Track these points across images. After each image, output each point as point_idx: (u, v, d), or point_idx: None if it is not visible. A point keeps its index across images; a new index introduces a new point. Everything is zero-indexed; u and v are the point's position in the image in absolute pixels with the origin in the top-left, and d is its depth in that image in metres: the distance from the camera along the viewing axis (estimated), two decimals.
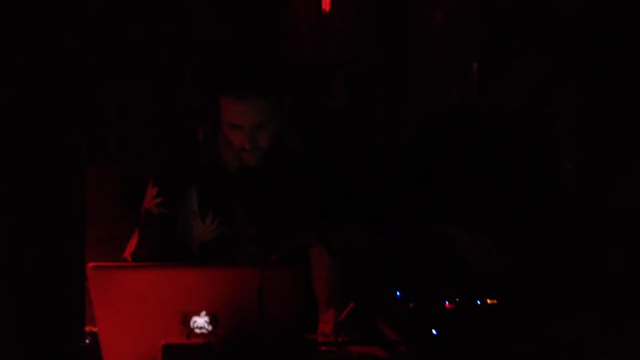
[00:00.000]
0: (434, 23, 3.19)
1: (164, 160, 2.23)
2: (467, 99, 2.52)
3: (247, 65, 2.10)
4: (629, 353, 1.74)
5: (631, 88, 2.47)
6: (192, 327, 1.65)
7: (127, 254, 2.16)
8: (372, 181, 2.53)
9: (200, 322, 1.65)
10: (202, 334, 1.63)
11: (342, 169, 2.32)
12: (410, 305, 1.97)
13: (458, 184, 2.33)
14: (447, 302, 1.96)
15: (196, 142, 2.22)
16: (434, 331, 1.84)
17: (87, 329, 1.78)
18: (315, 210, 2.20)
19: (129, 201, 2.32)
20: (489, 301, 1.96)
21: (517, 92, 2.30)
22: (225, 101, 2.08)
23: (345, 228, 2.21)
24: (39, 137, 1.23)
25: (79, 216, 1.21)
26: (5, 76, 1.22)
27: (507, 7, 2.60)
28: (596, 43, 2.54)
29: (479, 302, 1.96)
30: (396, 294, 2.04)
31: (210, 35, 2.88)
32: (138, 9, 3.07)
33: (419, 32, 3.28)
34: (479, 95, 2.45)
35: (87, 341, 1.76)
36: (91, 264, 1.61)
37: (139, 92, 3.06)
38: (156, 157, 2.26)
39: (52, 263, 1.21)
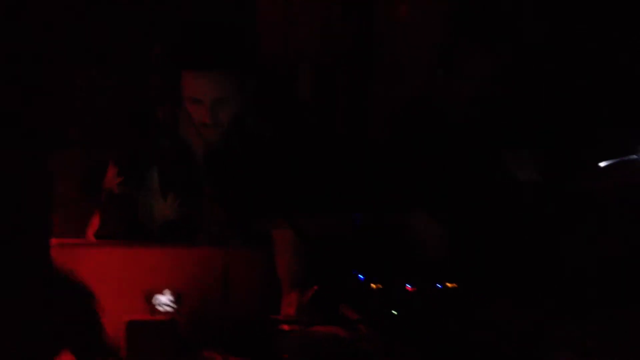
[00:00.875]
0: (400, 16, 3.22)
1: (125, 141, 2.23)
2: (427, 92, 2.56)
3: (209, 39, 2.11)
4: (586, 340, 1.78)
5: (580, 84, 2.53)
6: (155, 304, 1.66)
7: (89, 234, 2.16)
8: (337, 170, 2.55)
9: (164, 299, 1.66)
10: (165, 312, 1.64)
11: (305, 155, 2.34)
12: (373, 287, 2.00)
13: (420, 174, 2.37)
14: (408, 285, 1.99)
15: (156, 123, 2.22)
16: (394, 311, 1.87)
17: None
18: (282, 195, 2.21)
19: (92, 185, 2.31)
20: (449, 285, 2.00)
21: (466, 87, 2.35)
22: (186, 75, 2.08)
23: (314, 215, 2.23)
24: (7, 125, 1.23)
25: (46, 196, 1.21)
26: None
27: (469, 6, 2.65)
28: (549, 43, 2.59)
29: (439, 286, 2.00)
30: (359, 277, 2.07)
31: (177, 25, 2.88)
32: None
33: (386, 25, 3.31)
34: (440, 88, 2.49)
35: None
36: (55, 241, 1.60)
37: (104, 79, 3.04)
38: (118, 139, 2.27)
39: (17, 242, 1.21)
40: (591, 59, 2.50)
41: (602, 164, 2.21)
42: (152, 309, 1.64)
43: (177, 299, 1.66)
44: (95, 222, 2.17)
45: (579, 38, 2.54)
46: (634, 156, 2.19)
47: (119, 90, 2.98)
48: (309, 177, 2.32)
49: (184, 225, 2.18)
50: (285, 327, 1.86)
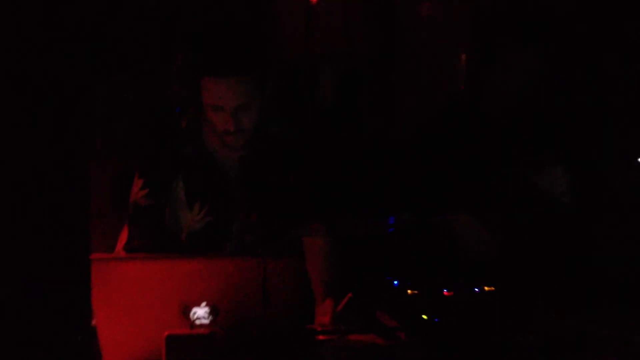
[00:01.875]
0: (424, 15, 3.19)
1: (149, 152, 2.22)
2: (455, 93, 2.53)
3: (228, 45, 2.09)
4: (629, 344, 1.74)
5: (624, 84, 2.48)
6: (192, 318, 1.64)
7: (118, 248, 2.14)
8: (368, 173, 2.53)
9: (201, 313, 1.64)
10: (202, 324, 1.62)
11: (331, 159, 2.31)
12: (408, 293, 1.97)
13: (454, 177, 2.33)
14: (445, 290, 1.96)
15: (180, 132, 2.21)
16: (434, 318, 1.84)
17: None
18: (315, 199, 2.19)
19: (119, 198, 2.30)
20: (486, 288, 1.97)
21: (505, 85, 2.32)
22: (207, 82, 2.06)
23: (349, 218, 2.20)
24: (43, 132, 1.21)
25: (84, 210, 1.19)
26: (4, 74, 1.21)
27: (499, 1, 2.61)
28: (589, 39, 2.55)
29: (476, 290, 1.97)
30: (393, 282, 2.04)
31: (197, 30, 2.87)
32: (123, 5, 3.05)
33: (409, 25, 3.28)
34: (468, 89, 2.45)
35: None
36: (93, 256, 1.59)
37: (126, 89, 3.04)
38: (142, 150, 2.25)
39: (57, 257, 1.20)
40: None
41: None
42: (190, 322, 1.61)
43: (214, 311, 1.64)
44: (123, 237, 2.15)
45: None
46: None
47: (142, 100, 2.98)
48: (341, 180, 2.30)
49: (210, 235, 2.17)
50: (322, 337, 1.84)
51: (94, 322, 1.70)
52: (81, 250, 1.15)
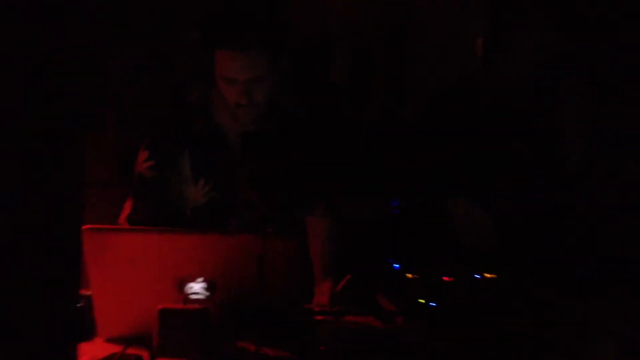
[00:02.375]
0: None
1: (156, 124, 2.20)
2: (470, 74, 2.48)
3: (243, 17, 2.06)
4: (631, 332, 1.71)
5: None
6: (187, 292, 1.63)
7: (122, 218, 2.14)
8: (373, 154, 2.50)
9: (197, 288, 1.63)
10: (197, 299, 1.61)
11: (341, 139, 2.29)
12: (409, 277, 1.95)
13: (461, 160, 2.30)
14: (445, 275, 1.94)
15: (189, 105, 2.19)
16: (431, 303, 1.82)
17: (81, 292, 1.76)
18: (319, 180, 2.17)
19: (127, 169, 2.29)
20: (487, 275, 1.94)
21: (521, 66, 2.27)
22: (221, 54, 2.04)
23: (352, 200, 2.18)
24: (40, 104, 1.20)
25: (78, 181, 1.18)
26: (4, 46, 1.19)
27: None
28: (606, 20, 2.49)
29: (477, 276, 1.94)
30: (394, 266, 2.03)
31: (210, 6, 2.84)
32: None
33: (424, 5, 3.23)
34: (483, 71, 2.41)
35: (80, 304, 1.74)
36: (85, 227, 1.58)
37: (139, 63, 3.03)
38: (149, 122, 2.23)
39: (49, 226, 1.18)
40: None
41: None
42: (185, 297, 1.60)
43: (211, 287, 1.63)
44: (127, 207, 2.15)
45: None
46: None
47: (152, 72, 2.97)
48: (346, 161, 2.27)
49: (215, 210, 2.16)
50: (319, 317, 1.83)
51: (89, 291, 1.70)
52: (73, 220, 1.14)
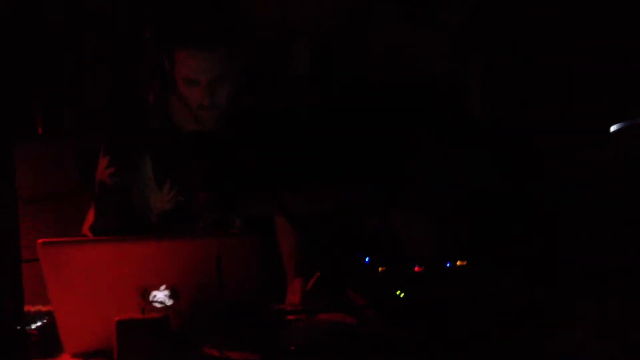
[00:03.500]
0: None
1: (114, 128, 2.15)
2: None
3: (203, 17, 2.02)
4: (599, 318, 1.71)
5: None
6: (151, 301, 1.59)
7: (85, 229, 2.09)
8: (334, 146, 2.47)
9: (160, 296, 1.59)
10: (162, 308, 1.58)
11: (301, 134, 2.25)
12: (379, 270, 1.93)
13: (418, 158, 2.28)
14: (416, 266, 1.92)
15: (146, 107, 2.14)
16: (406, 294, 1.80)
17: (46, 308, 1.72)
18: (275, 175, 2.13)
19: (88, 175, 2.24)
20: (458, 263, 1.92)
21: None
22: (181, 55, 2.00)
23: (306, 194, 2.15)
24: None
25: (9, 194, 1.13)
26: None
27: None
28: None
29: (447, 265, 1.92)
30: (365, 260, 2.00)
31: (169, 2, 2.79)
32: None
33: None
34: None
35: (44, 321, 1.70)
36: (40, 241, 1.53)
37: (97, 64, 2.97)
38: (107, 126, 2.18)
39: None
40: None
41: (611, 129, 2.11)
42: (144, 306, 1.57)
43: (174, 293, 1.59)
44: (90, 217, 2.10)
45: None
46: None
47: (109, 75, 2.91)
48: (309, 154, 2.24)
49: (182, 214, 2.11)
50: (291, 317, 1.80)
51: (51, 308, 1.66)
52: (9, 243, 1.09)
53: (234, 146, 2.13)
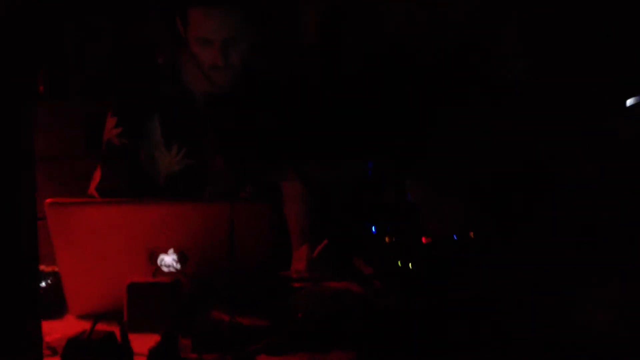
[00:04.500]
0: None
1: (123, 89, 2.12)
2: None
3: None
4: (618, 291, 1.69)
5: None
6: (159, 265, 1.58)
7: (92, 189, 2.07)
8: (345, 117, 2.44)
9: (168, 260, 1.58)
10: (170, 272, 1.57)
11: (317, 102, 2.23)
12: (387, 240, 1.92)
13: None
14: (423, 237, 1.91)
15: (156, 69, 2.11)
16: (410, 265, 1.79)
17: (49, 268, 1.70)
18: (287, 143, 2.12)
19: (93, 139, 2.22)
20: (471, 234, 1.91)
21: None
22: (195, 14, 1.96)
23: (321, 162, 2.13)
24: None
25: (28, 153, 1.10)
26: None
27: None
28: None
29: (455, 237, 1.91)
30: (372, 229, 1.99)
31: None
32: None
33: None
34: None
35: (48, 282, 1.68)
36: (48, 200, 1.52)
37: (101, 28, 2.93)
38: (116, 87, 2.15)
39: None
40: None
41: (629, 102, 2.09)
42: (157, 269, 1.56)
43: (182, 258, 1.58)
44: (97, 177, 2.08)
45: None
46: None
47: (118, 36, 2.87)
48: (319, 122, 2.22)
49: (191, 177, 2.10)
50: (297, 284, 1.79)
51: (54, 268, 1.65)
52: (25, 193, 1.07)
53: (248, 110, 2.11)
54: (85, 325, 1.53)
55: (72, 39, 2.85)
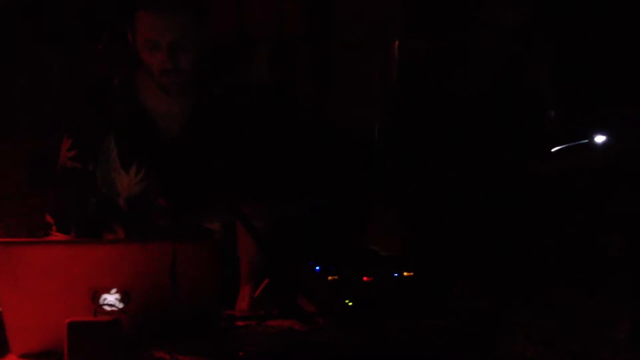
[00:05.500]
0: None
1: (76, 111, 2.14)
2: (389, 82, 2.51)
3: None
4: (543, 323, 1.78)
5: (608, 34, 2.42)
6: (102, 304, 1.60)
7: (47, 215, 2.08)
8: (297, 155, 2.49)
9: (111, 299, 1.60)
10: (112, 311, 1.59)
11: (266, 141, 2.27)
12: (329, 278, 1.96)
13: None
14: (365, 276, 1.96)
15: (111, 90, 2.13)
16: (349, 302, 1.84)
17: None
18: (234, 181, 2.15)
19: (40, 177, 2.23)
20: (405, 274, 1.97)
21: (494, 39, 2.27)
22: (142, 17, 1.99)
23: (266, 202, 2.17)
24: None
25: None
26: None
27: None
28: None
29: (395, 275, 1.97)
30: (315, 268, 2.04)
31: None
32: None
33: (344, 7, 3.25)
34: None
35: None
36: None
37: (51, 67, 2.95)
38: (68, 111, 2.17)
39: None
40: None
41: (554, 150, 2.20)
42: (99, 308, 1.57)
43: (125, 297, 1.60)
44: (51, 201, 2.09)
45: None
46: (585, 141, 2.18)
47: (68, 68, 2.88)
48: (268, 162, 2.27)
49: (152, 198, 2.11)
50: (240, 323, 1.82)
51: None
52: None
53: (196, 152, 2.14)
54: None
55: (19, 78, 2.86)
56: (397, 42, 2.60)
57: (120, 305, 1.59)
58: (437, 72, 2.40)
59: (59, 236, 2.08)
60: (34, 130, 2.76)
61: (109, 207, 2.11)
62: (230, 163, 2.16)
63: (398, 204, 2.24)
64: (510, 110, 2.37)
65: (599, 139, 2.15)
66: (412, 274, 1.96)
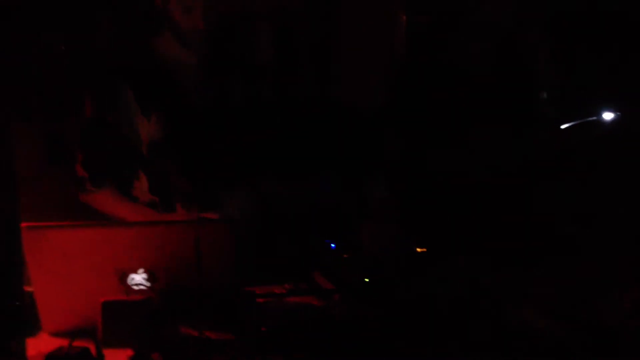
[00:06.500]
0: None
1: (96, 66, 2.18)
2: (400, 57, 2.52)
3: None
4: (550, 293, 1.81)
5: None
6: (129, 284, 1.66)
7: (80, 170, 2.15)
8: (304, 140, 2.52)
9: (138, 279, 1.66)
10: (140, 290, 1.65)
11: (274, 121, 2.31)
12: (344, 256, 2.02)
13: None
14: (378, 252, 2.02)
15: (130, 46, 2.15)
16: (370, 279, 1.89)
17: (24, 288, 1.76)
18: (248, 162, 2.19)
19: (53, 159, 2.27)
20: (418, 250, 2.03)
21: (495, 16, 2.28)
22: None
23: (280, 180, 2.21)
24: None
25: (9, 175, 1.18)
26: None
27: None
28: None
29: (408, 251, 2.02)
30: (331, 246, 2.09)
31: None
32: None
33: None
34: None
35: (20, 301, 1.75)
36: (24, 224, 1.59)
37: (60, 49, 2.96)
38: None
39: None
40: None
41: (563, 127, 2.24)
42: (127, 288, 1.64)
43: (151, 276, 1.66)
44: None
45: None
46: (593, 118, 2.22)
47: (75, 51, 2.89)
48: (278, 142, 2.30)
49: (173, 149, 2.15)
50: (260, 300, 1.88)
51: (31, 288, 1.71)
52: (10, 217, 1.15)
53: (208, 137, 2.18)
54: (58, 342, 1.61)
55: (30, 59, 2.87)
56: (404, 17, 2.61)
57: (148, 284, 1.65)
58: (440, 48, 2.42)
59: (93, 190, 2.14)
60: (49, 112, 2.79)
61: (133, 157, 2.15)
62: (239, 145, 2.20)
63: (400, 181, 2.27)
64: (510, 87, 2.39)
65: (607, 115, 2.19)
66: (425, 250, 2.01)
